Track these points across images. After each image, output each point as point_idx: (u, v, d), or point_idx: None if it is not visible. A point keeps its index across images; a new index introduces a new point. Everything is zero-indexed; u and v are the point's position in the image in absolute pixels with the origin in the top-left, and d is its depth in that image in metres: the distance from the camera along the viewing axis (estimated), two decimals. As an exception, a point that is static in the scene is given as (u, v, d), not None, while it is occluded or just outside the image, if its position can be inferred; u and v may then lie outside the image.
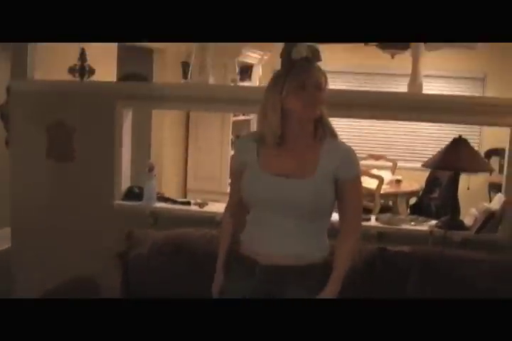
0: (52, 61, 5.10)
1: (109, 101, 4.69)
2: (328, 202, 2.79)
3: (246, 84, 7.78)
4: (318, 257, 2.83)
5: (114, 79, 5.75)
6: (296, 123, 2.77)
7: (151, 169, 4.65)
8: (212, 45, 4.75)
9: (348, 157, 2.79)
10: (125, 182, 4.86)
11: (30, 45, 4.85)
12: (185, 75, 4.87)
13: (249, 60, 7.94)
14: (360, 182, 2.87)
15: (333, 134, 2.84)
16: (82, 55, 4.90)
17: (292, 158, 2.79)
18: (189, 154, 7.75)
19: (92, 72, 4.92)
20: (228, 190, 7.51)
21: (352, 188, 2.79)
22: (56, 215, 4.88)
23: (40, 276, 4.57)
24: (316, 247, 2.84)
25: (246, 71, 7.91)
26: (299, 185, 2.74)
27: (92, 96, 4.74)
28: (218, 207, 4.71)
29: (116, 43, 6.12)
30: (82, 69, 4.88)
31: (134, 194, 4.77)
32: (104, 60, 5.70)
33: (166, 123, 7.31)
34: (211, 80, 4.69)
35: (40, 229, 4.91)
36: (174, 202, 4.76)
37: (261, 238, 2.85)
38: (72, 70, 4.87)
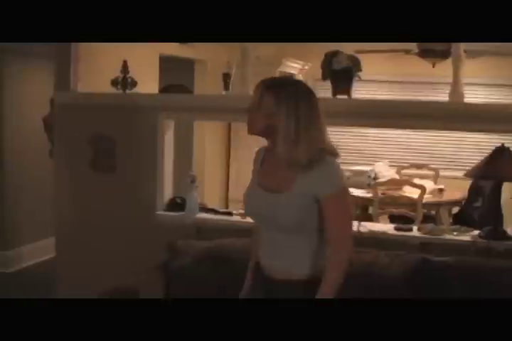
0: (95, 73, 5.16)
1: (151, 112, 4.73)
2: (306, 217, 2.76)
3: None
4: (306, 274, 2.80)
5: (156, 91, 5.80)
6: None
7: (192, 180, 4.68)
8: (253, 56, 4.77)
9: (324, 173, 2.72)
10: (167, 193, 4.90)
11: (73, 58, 4.92)
12: (226, 87, 4.89)
13: (289, 70, 7.94)
14: (343, 199, 2.78)
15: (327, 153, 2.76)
16: (125, 67, 4.94)
17: (277, 173, 2.82)
18: (230, 164, 7.77)
19: (134, 84, 4.96)
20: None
21: (331, 204, 2.73)
22: (99, 225, 4.93)
23: (83, 286, 4.62)
24: (303, 263, 2.82)
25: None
26: (276, 200, 2.77)
27: (135, 108, 4.79)
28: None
29: (158, 55, 6.19)
30: (125, 82, 4.92)
31: (176, 205, 4.80)
32: (146, 71, 5.76)
33: (207, 134, 7.35)
34: (252, 91, 4.70)
35: (83, 239, 4.97)
36: (216, 212, 4.77)
37: (262, 251, 2.94)
38: (114, 82, 4.92)
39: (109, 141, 4.85)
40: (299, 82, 2.90)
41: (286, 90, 2.73)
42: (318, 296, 2.70)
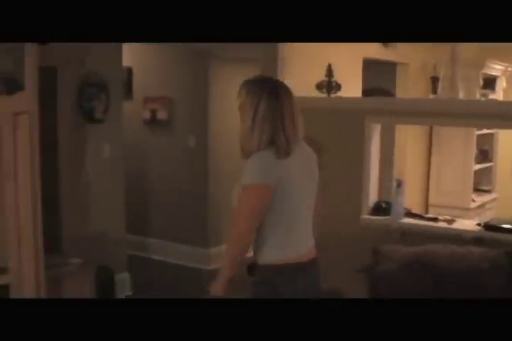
0: (300, 77, 5.23)
1: (357, 116, 4.73)
2: None
3: (490, 96, 7.58)
4: (264, 259, 2.97)
5: (359, 94, 5.80)
6: None
7: (399, 185, 4.64)
8: (460, 59, 4.68)
9: (246, 166, 2.85)
10: (373, 197, 4.88)
11: (280, 62, 5.00)
12: (434, 90, 4.82)
13: (492, 72, 7.72)
14: (245, 193, 2.82)
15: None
16: (329, 71, 4.98)
17: None
18: (431, 168, 7.63)
19: (338, 87, 4.99)
20: (471, 206, 7.36)
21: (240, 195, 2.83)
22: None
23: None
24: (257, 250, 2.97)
25: (490, 83, 7.71)
26: None
27: (340, 112, 4.81)
28: (466, 224, 4.62)
29: (362, 58, 6.18)
30: (330, 85, 4.96)
31: (381, 209, 4.78)
32: (349, 74, 5.77)
33: (408, 138, 7.25)
34: (461, 95, 4.61)
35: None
36: (421, 217, 4.71)
37: None
38: (319, 86, 4.97)
39: (314, 144, 4.89)
40: (273, 81, 2.98)
41: (255, 85, 2.87)
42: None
